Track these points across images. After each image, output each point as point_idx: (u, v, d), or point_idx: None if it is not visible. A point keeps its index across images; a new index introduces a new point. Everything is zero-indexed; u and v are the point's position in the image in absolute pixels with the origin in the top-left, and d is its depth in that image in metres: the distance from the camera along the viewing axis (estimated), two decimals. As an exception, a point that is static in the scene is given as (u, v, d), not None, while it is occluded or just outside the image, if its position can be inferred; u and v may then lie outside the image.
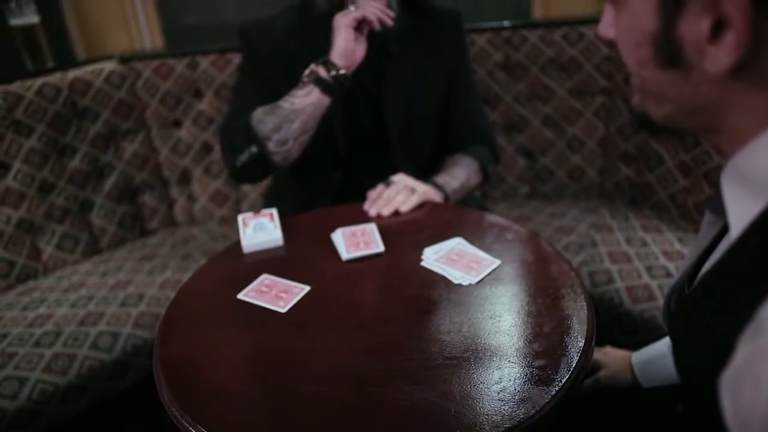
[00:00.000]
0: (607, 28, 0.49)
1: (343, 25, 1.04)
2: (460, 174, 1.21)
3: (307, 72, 1.06)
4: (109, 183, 1.67)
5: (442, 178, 1.18)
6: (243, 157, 1.08)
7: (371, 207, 1.06)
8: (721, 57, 0.38)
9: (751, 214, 0.41)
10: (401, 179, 1.11)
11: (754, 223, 0.41)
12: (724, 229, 0.53)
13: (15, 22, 1.62)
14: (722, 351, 0.37)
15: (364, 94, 1.20)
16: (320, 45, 1.07)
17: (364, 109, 1.22)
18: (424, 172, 1.20)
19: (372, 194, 1.09)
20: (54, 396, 1.15)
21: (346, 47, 1.04)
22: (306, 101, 1.05)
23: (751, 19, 0.36)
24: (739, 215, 0.42)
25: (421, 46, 1.21)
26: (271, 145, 1.07)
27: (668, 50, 0.42)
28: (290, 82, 1.08)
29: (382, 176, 1.12)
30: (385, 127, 1.21)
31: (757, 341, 0.34)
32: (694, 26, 0.39)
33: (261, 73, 1.18)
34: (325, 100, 1.06)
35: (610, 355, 0.93)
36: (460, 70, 1.28)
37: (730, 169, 0.44)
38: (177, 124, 1.77)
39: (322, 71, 1.04)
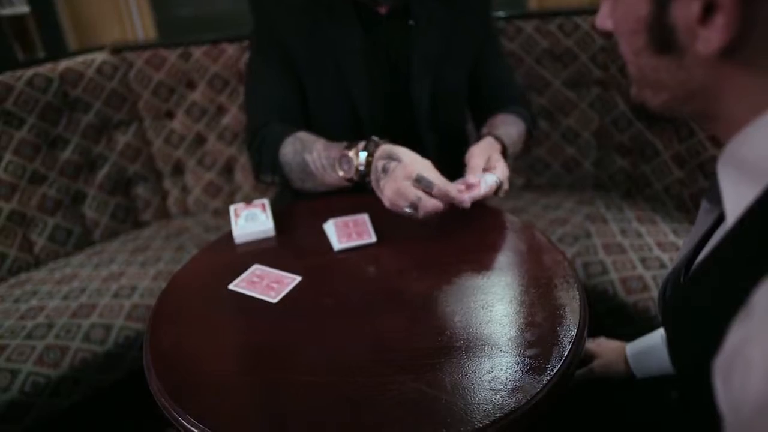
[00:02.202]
0: (604, 19, 0.50)
1: (388, 200, 0.92)
2: (512, 130, 1.14)
3: (345, 162, 0.98)
4: (101, 175, 1.65)
5: (498, 131, 1.08)
6: (267, 178, 1.14)
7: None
8: (711, 38, 0.39)
9: (747, 201, 0.40)
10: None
11: (749, 210, 0.40)
12: (721, 218, 0.52)
13: (5, 11, 1.60)
14: (716, 338, 0.37)
15: (390, 65, 1.15)
16: (342, 13, 1.08)
17: (390, 82, 1.16)
18: (452, 146, 1.16)
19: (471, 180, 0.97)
20: (46, 388, 1.15)
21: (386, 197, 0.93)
22: (334, 181, 1.03)
23: (739, 0, 0.36)
24: (735, 202, 0.42)
25: (446, 15, 1.14)
26: (294, 182, 1.11)
27: (662, 35, 0.43)
28: (310, 49, 1.09)
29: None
30: (411, 100, 1.16)
31: (747, 325, 0.34)
32: (685, 9, 0.39)
33: (278, 42, 1.12)
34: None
35: (604, 346, 0.93)
36: (487, 39, 1.23)
37: (725, 156, 0.44)
38: (170, 115, 1.76)
39: (354, 176, 0.98)
